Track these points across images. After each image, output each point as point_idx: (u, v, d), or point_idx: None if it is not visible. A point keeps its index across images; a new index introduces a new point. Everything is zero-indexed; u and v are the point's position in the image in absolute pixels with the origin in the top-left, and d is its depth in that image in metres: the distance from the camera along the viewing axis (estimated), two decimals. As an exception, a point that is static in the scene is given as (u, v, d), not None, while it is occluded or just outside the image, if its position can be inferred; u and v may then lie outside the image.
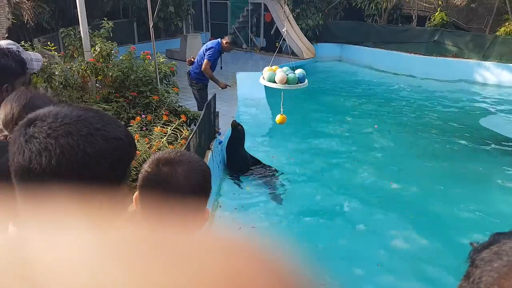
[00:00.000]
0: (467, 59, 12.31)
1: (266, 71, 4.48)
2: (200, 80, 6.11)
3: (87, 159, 0.68)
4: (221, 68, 6.47)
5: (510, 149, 7.35)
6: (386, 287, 3.90)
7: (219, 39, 6.14)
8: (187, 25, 14.94)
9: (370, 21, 14.55)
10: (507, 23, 12.03)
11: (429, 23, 13.32)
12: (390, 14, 14.27)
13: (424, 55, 12.95)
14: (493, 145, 7.51)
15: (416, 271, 4.07)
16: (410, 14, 13.94)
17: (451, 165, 6.57)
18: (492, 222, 4.74)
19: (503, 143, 7.63)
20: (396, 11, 14.31)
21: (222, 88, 6.20)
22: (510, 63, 11.53)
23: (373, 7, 14.11)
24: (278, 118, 4.82)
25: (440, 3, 13.15)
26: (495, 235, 0.64)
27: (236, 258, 0.30)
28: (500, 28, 12.14)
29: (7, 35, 4.34)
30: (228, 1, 15.21)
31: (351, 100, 10.29)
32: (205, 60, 5.87)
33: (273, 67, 4.50)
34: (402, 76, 12.72)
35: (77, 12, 4.66)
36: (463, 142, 7.59)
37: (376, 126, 8.30)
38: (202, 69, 5.88)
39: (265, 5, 14.02)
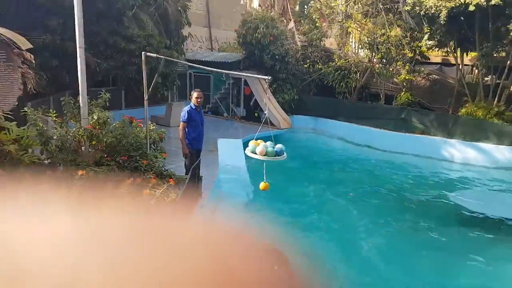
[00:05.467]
0: (433, 136, 13.01)
1: (252, 143, 4.97)
2: (188, 144, 6.46)
3: None
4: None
5: (476, 222, 7.78)
6: None
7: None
8: (172, 94, 15.75)
9: (341, 97, 15.70)
10: (467, 105, 13.16)
11: (396, 102, 14.48)
12: (360, 92, 15.50)
13: (393, 131, 13.77)
14: (459, 218, 7.94)
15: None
16: (378, 93, 15.17)
17: (418, 235, 6.98)
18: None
19: (468, 216, 8.06)
20: (364, 90, 15.56)
21: (183, 154, 6.46)
22: (473, 141, 12.16)
23: (343, 86, 15.33)
24: (262, 185, 5.20)
25: (405, 84, 14.43)
26: None
27: (220, 245, 0.33)
28: (461, 109, 13.19)
29: (17, 103, 4.76)
30: (211, 75, 16.22)
31: (326, 169, 10.90)
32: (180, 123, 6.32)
33: (258, 141, 4.99)
34: (374, 149, 13.46)
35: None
36: (432, 213, 8.03)
37: (351, 194, 8.78)
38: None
39: (245, 80, 15.07)
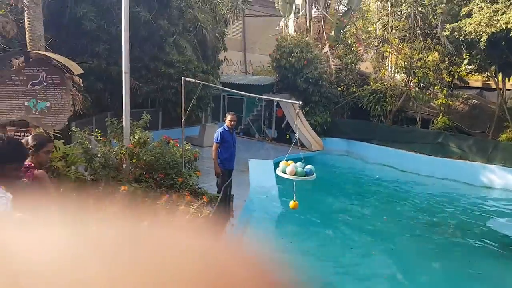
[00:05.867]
0: (471, 162, 12.61)
1: (282, 164, 5.17)
2: (220, 164, 6.72)
3: None
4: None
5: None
6: None
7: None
8: (206, 116, 16.25)
9: (376, 121, 15.61)
10: (508, 130, 12.79)
11: (433, 126, 14.25)
12: (395, 115, 15.37)
13: (429, 155, 13.47)
14: (499, 247, 7.66)
15: None
16: (414, 117, 15.00)
17: (455, 264, 6.78)
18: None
19: (509, 246, 7.78)
20: (400, 113, 15.41)
21: (215, 174, 6.72)
22: (514, 167, 11.71)
23: (378, 109, 15.26)
24: (291, 203, 5.35)
25: (442, 108, 14.21)
26: None
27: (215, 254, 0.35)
28: (502, 134, 12.85)
29: (67, 123, 5.19)
30: (244, 97, 16.65)
31: (359, 192, 10.84)
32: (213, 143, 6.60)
33: (288, 161, 5.18)
34: (409, 174, 13.21)
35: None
36: (469, 241, 7.80)
37: (385, 218, 8.69)
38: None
39: (277, 102, 15.35)
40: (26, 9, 6.07)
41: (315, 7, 17.34)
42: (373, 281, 6.11)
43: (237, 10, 15.78)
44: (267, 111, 16.36)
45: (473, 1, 11.28)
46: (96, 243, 0.39)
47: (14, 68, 5.71)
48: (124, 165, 5.59)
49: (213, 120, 16.99)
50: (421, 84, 14.47)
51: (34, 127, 4.97)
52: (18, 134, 4.86)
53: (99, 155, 5.27)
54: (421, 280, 6.19)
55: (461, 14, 11.58)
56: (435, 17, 13.38)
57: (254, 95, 9.16)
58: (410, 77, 14.63)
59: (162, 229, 0.45)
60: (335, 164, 14.05)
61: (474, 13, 10.99)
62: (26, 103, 4.86)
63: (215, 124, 15.03)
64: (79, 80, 5.62)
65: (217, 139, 6.57)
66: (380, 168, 13.88)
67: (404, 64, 14.69)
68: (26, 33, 6.29)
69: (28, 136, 4.31)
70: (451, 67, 14.01)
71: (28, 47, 6.22)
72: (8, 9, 5.83)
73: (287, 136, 15.36)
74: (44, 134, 3.85)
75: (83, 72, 4.81)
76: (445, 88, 14.07)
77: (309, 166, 5.14)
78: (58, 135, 5.22)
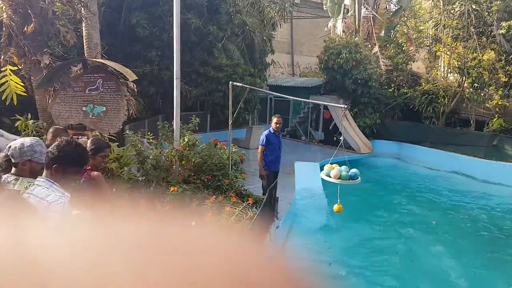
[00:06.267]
0: None
1: (327, 167, 5.20)
2: (265, 166, 6.85)
3: None
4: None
5: None
6: None
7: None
8: (253, 118, 16.47)
9: (428, 122, 15.08)
10: None
11: (488, 128, 13.57)
12: (448, 117, 14.77)
13: (483, 158, 12.91)
14: None
15: None
16: (468, 118, 14.34)
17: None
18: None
19: None
20: (453, 114, 14.79)
21: (260, 176, 6.86)
22: None
23: (431, 110, 14.73)
24: (335, 207, 5.37)
25: (498, 109, 13.49)
26: None
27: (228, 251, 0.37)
28: (563, 136, 12.09)
29: (121, 127, 5.53)
30: (291, 100, 16.69)
31: (409, 195, 10.53)
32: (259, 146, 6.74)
33: (333, 165, 5.20)
34: (462, 177, 12.69)
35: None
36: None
37: (434, 222, 8.42)
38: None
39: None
40: (84, 19, 6.51)
41: (365, 7, 17.03)
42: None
43: (285, 13, 15.87)
44: (314, 113, 16.29)
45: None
46: (148, 241, 0.40)
47: (72, 75, 6.15)
48: (173, 167, 5.84)
49: (259, 122, 17.18)
50: (476, 85, 13.81)
51: (91, 130, 5.33)
52: (76, 137, 5.22)
53: (150, 157, 5.55)
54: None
55: (519, 11, 10.96)
56: (490, 15, 12.74)
57: (299, 99, 9.20)
58: (464, 77, 14.00)
59: (209, 229, 0.45)
60: (385, 167, 13.73)
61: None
62: (84, 108, 5.22)
63: (262, 126, 15.20)
64: (133, 86, 5.95)
65: (263, 141, 6.71)
66: (432, 172, 13.39)
67: (458, 64, 14.07)
68: (84, 41, 6.75)
69: (84, 138, 4.65)
70: (507, 66, 13.26)
71: (85, 54, 6.66)
72: (68, 19, 6.28)
73: (335, 138, 15.19)
74: (102, 139, 4.13)
75: (137, 78, 5.09)
76: (501, 88, 13.33)
77: (353, 170, 5.13)
78: (113, 138, 5.56)
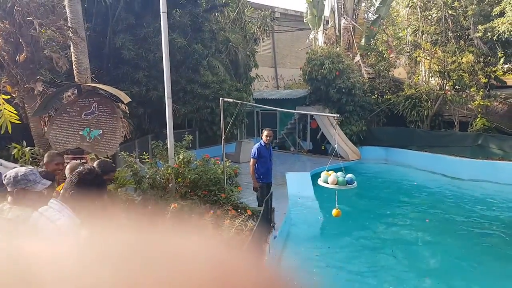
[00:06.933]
0: None
1: (323, 174, 5.36)
2: (258, 178, 6.98)
3: None
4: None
5: None
6: None
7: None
8: (241, 132, 16.63)
9: (413, 126, 15.42)
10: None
11: (472, 128, 13.93)
12: (432, 120, 15.13)
13: (469, 158, 13.22)
14: None
15: None
16: (452, 120, 14.71)
17: (504, 269, 6.66)
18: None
19: None
20: (437, 117, 15.15)
21: (253, 188, 7.00)
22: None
23: (415, 114, 15.09)
24: (334, 211, 5.51)
25: (480, 110, 13.89)
26: None
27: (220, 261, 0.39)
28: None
29: (119, 148, 5.62)
30: (277, 112, 16.89)
31: (400, 197, 10.77)
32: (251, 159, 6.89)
33: (329, 171, 5.36)
34: (449, 178, 12.95)
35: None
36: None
37: (427, 220, 8.62)
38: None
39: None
40: (73, 44, 6.60)
41: (344, 17, 17.48)
42: None
43: (266, 28, 16.17)
44: (301, 123, 16.53)
45: (505, 1, 11.11)
46: (157, 255, 0.43)
47: (65, 100, 6.22)
48: (170, 184, 5.92)
49: (248, 136, 17.34)
50: (457, 87, 14.23)
51: (88, 153, 5.40)
52: (69, 160, 5.26)
53: (147, 176, 5.63)
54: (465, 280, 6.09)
55: (493, 14, 11.42)
56: (467, 19, 13.22)
57: (288, 110, 9.39)
58: (445, 80, 14.43)
59: (213, 243, 0.48)
60: (374, 172, 13.96)
61: (507, 12, 10.82)
62: (80, 132, 5.30)
63: (251, 140, 15.34)
64: (125, 108, 6.06)
65: (255, 154, 6.85)
66: (420, 174, 13.66)
67: (438, 68, 14.51)
68: (74, 66, 6.81)
69: (78, 161, 4.71)
70: (486, 68, 13.73)
71: (75, 79, 6.73)
72: (57, 45, 6.36)
73: (323, 147, 15.42)
74: (109, 162, 4.21)
75: (130, 100, 5.20)
76: (482, 89, 13.77)
77: (350, 175, 5.31)
78: (108, 160, 5.63)
